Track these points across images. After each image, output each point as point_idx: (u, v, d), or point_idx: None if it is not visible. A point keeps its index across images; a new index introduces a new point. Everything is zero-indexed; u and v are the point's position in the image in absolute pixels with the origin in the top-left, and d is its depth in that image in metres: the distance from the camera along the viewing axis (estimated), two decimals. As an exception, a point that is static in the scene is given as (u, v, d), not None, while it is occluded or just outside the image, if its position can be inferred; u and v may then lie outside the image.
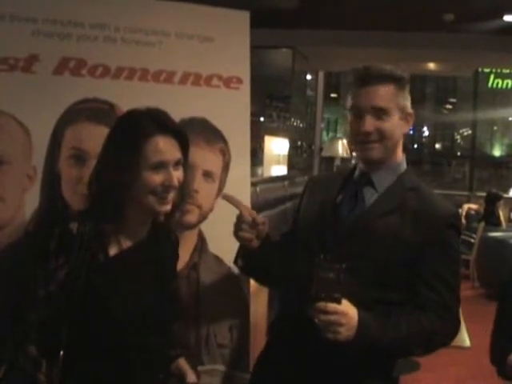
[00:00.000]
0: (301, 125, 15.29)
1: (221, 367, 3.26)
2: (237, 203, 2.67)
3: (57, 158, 3.10)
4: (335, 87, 31.51)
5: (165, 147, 2.34)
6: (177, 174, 2.39)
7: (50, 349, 2.26)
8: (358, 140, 2.62)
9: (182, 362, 2.64)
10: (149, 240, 2.48)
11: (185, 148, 2.44)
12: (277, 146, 12.58)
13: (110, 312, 2.32)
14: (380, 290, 2.53)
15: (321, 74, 15.12)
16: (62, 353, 2.26)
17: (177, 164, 2.39)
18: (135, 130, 2.36)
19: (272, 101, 13.23)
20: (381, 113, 2.57)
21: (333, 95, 30.85)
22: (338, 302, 2.32)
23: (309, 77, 16.13)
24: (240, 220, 2.62)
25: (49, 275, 2.27)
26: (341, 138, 13.84)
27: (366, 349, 2.43)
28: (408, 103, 2.66)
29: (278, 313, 2.84)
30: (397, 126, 2.62)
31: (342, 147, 12.86)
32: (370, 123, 2.57)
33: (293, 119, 13.62)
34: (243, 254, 2.72)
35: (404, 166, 2.73)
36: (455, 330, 2.62)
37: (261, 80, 10.02)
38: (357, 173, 2.76)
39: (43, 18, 3.13)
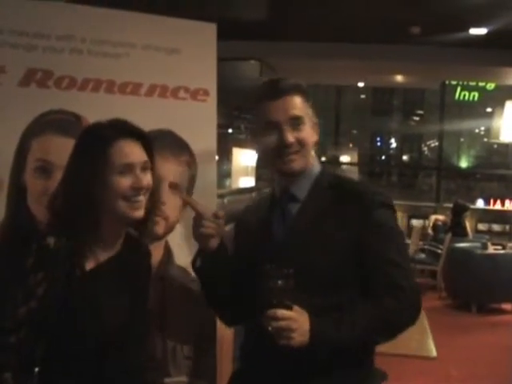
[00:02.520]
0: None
1: (187, 379, 3.25)
2: (194, 203, 2.70)
3: (22, 170, 3.08)
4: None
5: (129, 150, 2.36)
6: (145, 178, 2.39)
7: (26, 370, 2.23)
8: (278, 154, 2.66)
9: None
10: (123, 252, 2.48)
11: (149, 151, 2.45)
12: (245, 158, 12.61)
13: (88, 326, 2.31)
14: (334, 294, 2.55)
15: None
16: (36, 370, 2.24)
17: (144, 168, 2.40)
18: (97, 137, 2.37)
19: (240, 113, 13.26)
20: (297, 122, 2.64)
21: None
22: (289, 308, 2.36)
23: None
24: (199, 218, 2.63)
25: (29, 292, 2.25)
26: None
27: (327, 350, 2.46)
28: (312, 113, 2.73)
29: (245, 337, 2.87)
30: (310, 134, 2.70)
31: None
32: (290, 134, 2.62)
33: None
34: (201, 254, 2.72)
35: (317, 168, 2.80)
36: (414, 308, 2.62)
37: (229, 92, 10.04)
38: (277, 191, 2.80)
39: (9, 29, 3.12)
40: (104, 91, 3.28)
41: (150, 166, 2.46)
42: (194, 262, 2.77)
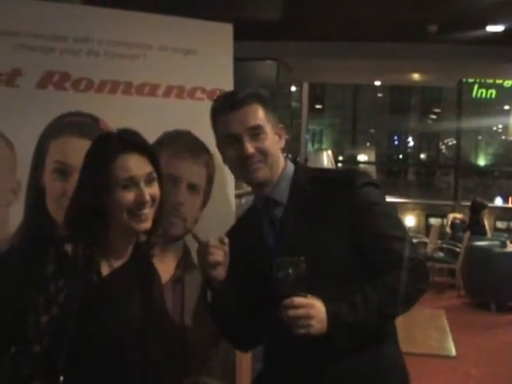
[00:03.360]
0: (286, 136, 15.33)
1: (207, 379, 3.25)
2: (195, 234, 2.67)
3: (41, 172, 3.10)
4: (320, 98, 31.58)
5: (132, 164, 2.36)
6: (150, 191, 2.39)
7: (52, 380, 2.23)
8: (242, 165, 2.65)
9: None
10: (133, 259, 2.49)
11: (155, 163, 2.45)
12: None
13: (108, 331, 2.32)
14: (341, 286, 2.52)
15: (305, 86, 15.15)
16: (61, 379, 2.23)
17: (149, 180, 2.40)
18: (102, 151, 2.40)
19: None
20: (257, 131, 2.62)
21: (318, 106, 30.94)
22: (304, 296, 2.36)
23: (293, 88, 16.13)
24: (204, 246, 2.58)
25: (50, 300, 2.25)
26: (326, 150, 13.90)
27: (346, 335, 2.44)
28: (276, 119, 2.72)
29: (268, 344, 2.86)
30: (273, 142, 2.68)
31: (327, 158, 12.91)
32: (250, 145, 2.60)
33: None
34: (211, 287, 2.66)
35: (291, 168, 2.76)
36: (423, 274, 2.62)
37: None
38: (259, 202, 2.79)
39: (26, 32, 3.14)
40: (121, 93, 3.30)
41: (157, 176, 2.46)
42: (204, 297, 2.72)
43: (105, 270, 2.39)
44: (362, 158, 30.64)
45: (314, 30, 10.39)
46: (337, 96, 31.59)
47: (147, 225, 2.41)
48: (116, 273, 2.42)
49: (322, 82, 24.71)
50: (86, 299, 2.28)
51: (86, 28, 3.28)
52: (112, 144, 2.39)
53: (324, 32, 10.51)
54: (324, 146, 31.39)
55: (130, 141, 2.41)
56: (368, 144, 33.51)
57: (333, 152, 13.49)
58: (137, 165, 2.37)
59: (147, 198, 2.37)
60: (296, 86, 15.90)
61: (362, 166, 27.79)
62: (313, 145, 31.68)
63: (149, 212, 2.40)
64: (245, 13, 8.85)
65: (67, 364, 2.24)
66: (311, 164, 13.80)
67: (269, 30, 10.30)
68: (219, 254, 2.58)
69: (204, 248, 2.59)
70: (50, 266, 2.28)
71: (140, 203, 2.36)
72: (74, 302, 2.25)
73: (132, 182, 2.35)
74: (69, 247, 2.31)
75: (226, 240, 2.61)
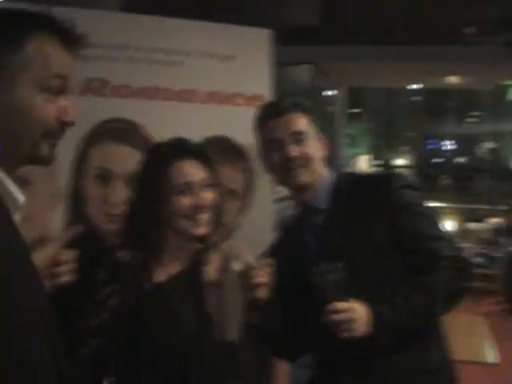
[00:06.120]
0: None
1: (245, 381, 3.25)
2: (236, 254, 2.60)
3: (81, 178, 3.12)
4: (356, 103, 31.50)
5: (188, 170, 2.42)
6: (206, 195, 2.42)
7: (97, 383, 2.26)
8: (285, 169, 2.68)
9: None
10: (192, 266, 2.52)
11: (210, 169, 2.47)
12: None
13: (160, 340, 2.34)
14: (381, 289, 2.53)
15: (342, 90, 15.11)
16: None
17: (205, 186, 2.43)
18: (158, 159, 2.44)
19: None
20: (300, 137, 2.69)
21: (354, 111, 30.86)
22: (345, 301, 2.39)
23: (330, 93, 16.07)
24: (249, 269, 2.53)
25: (100, 304, 2.30)
26: (363, 154, 13.87)
27: (390, 334, 2.47)
28: (319, 130, 2.79)
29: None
30: (316, 149, 2.73)
31: (364, 163, 12.88)
32: (293, 149, 2.66)
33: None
34: (255, 307, 2.60)
35: (331, 175, 2.79)
36: (465, 271, 2.64)
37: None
38: (299, 210, 2.82)
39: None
40: (161, 99, 3.31)
41: (212, 182, 2.48)
42: (250, 320, 2.66)
43: (161, 277, 2.42)
44: (398, 162, 30.49)
45: (351, 34, 10.38)
46: (372, 100, 31.51)
47: (204, 230, 2.43)
48: (171, 279, 2.44)
49: (359, 86, 24.65)
50: (138, 306, 2.30)
51: (124, 35, 3.29)
52: (166, 151, 2.44)
53: (361, 36, 10.50)
54: (360, 151, 31.29)
55: (184, 147, 2.46)
56: (404, 148, 33.35)
57: (369, 156, 13.45)
58: (192, 171, 2.43)
59: (204, 202, 2.40)
60: (332, 90, 15.82)
61: (398, 170, 27.65)
62: (349, 149, 31.62)
63: (205, 217, 2.42)
64: (282, 18, 8.86)
65: (117, 370, 2.25)
66: (348, 169, 13.77)
67: (306, 35, 10.31)
68: (262, 276, 2.53)
69: (248, 270, 2.56)
70: (101, 273, 2.32)
71: (196, 208, 2.40)
72: (125, 308, 2.27)
73: (188, 188, 2.39)
74: (123, 254, 2.35)
75: (271, 261, 2.58)
